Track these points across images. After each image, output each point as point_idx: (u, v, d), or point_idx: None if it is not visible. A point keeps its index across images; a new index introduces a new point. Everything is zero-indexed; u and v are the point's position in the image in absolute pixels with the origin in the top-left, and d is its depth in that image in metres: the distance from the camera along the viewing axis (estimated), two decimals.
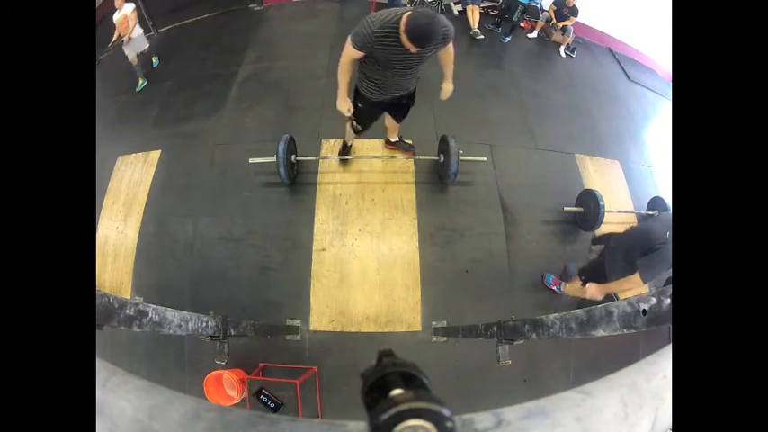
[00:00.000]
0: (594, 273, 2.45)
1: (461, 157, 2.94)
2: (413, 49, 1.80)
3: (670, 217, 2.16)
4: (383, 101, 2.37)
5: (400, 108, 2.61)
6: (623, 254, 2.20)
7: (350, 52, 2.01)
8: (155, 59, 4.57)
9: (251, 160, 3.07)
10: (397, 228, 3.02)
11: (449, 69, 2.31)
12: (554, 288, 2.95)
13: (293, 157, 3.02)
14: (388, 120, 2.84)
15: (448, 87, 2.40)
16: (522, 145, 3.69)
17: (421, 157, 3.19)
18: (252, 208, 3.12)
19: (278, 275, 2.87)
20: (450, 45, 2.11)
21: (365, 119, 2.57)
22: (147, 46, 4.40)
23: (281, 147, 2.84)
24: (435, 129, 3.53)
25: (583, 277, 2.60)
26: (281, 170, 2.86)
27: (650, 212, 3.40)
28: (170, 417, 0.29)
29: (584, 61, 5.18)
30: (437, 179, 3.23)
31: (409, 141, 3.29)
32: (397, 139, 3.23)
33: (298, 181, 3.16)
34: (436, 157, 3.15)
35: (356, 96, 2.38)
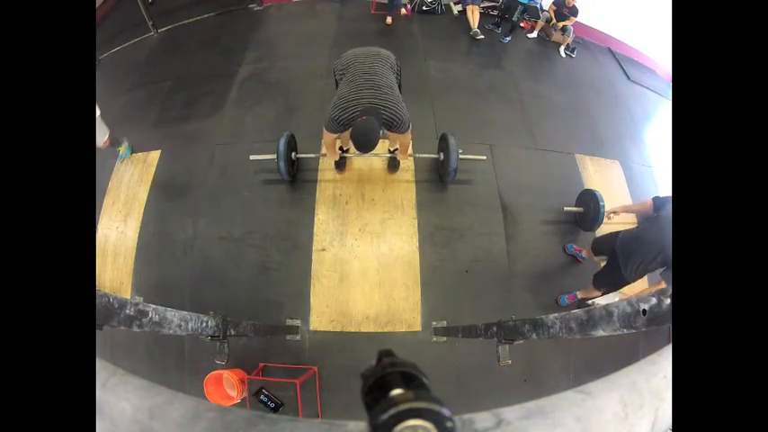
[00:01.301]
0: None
1: (461, 156, 2.95)
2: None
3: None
4: None
5: None
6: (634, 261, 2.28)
7: (327, 137, 2.38)
8: (125, 149, 3.48)
9: (251, 157, 3.07)
10: (397, 228, 3.02)
11: (398, 148, 2.54)
12: (575, 254, 3.06)
13: (293, 154, 3.02)
14: None
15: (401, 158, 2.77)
16: (522, 145, 3.69)
17: (421, 155, 3.19)
18: (252, 208, 3.12)
19: (278, 275, 2.87)
20: (407, 136, 2.38)
21: None
22: (107, 136, 3.14)
23: (282, 141, 2.84)
24: (435, 129, 3.54)
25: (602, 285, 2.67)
26: (281, 165, 2.85)
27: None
28: (170, 417, 0.29)
29: (584, 61, 5.17)
30: (437, 179, 3.24)
31: (402, 159, 3.04)
32: (394, 148, 3.05)
33: (298, 179, 3.16)
34: (436, 155, 3.15)
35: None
